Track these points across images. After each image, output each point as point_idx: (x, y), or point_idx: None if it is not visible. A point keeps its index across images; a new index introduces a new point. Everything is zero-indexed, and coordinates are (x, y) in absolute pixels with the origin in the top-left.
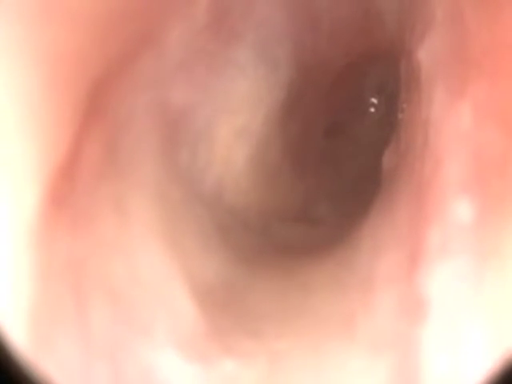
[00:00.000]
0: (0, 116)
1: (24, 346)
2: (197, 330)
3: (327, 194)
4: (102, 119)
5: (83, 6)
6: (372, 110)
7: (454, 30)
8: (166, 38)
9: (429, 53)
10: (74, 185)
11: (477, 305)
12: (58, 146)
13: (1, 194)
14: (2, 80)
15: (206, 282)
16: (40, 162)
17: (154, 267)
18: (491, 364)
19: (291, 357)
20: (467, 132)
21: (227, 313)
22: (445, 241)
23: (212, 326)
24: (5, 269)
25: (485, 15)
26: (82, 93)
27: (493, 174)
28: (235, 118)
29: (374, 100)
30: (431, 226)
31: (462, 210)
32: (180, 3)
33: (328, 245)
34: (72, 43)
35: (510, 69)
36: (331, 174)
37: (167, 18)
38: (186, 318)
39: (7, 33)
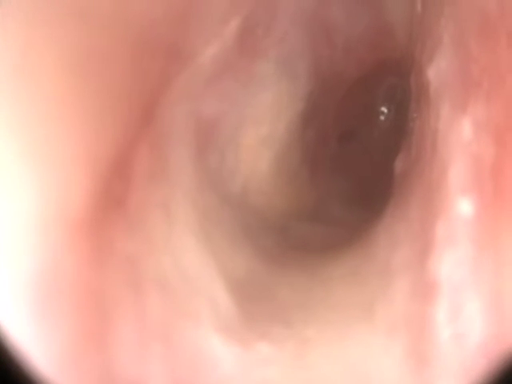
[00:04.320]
0: (59, 113)
1: (85, 327)
2: (234, 317)
3: (341, 197)
4: (151, 128)
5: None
6: (382, 118)
7: (458, 53)
8: (200, 56)
9: (437, 72)
10: (128, 185)
11: (476, 284)
12: (111, 146)
13: (52, 185)
14: (69, 86)
15: (237, 276)
16: (90, 160)
17: (194, 263)
18: (488, 333)
19: (318, 342)
20: (468, 143)
21: (258, 304)
22: (450, 232)
23: (246, 315)
24: (60, 259)
25: (485, 42)
26: (136, 103)
27: (488, 177)
28: (259, 126)
29: (384, 109)
30: (439, 221)
31: (463, 207)
32: (213, 25)
33: (345, 244)
34: (120, 59)
35: (504, 90)
36: (345, 177)
37: (202, 38)
38: (224, 308)
39: (67, 40)
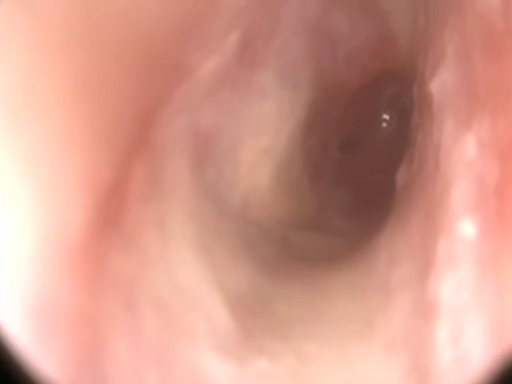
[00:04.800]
0: (60, 133)
1: (80, 349)
2: (231, 333)
3: (343, 206)
4: (146, 145)
5: (132, 42)
6: (384, 125)
7: (462, 67)
8: (199, 69)
9: (440, 87)
10: (123, 204)
11: (478, 306)
12: (110, 166)
13: (51, 207)
14: (62, 107)
15: (236, 290)
16: (89, 183)
17: (191, 278)
18: (490, 356)
19: (317, 356)
20: (472, 160)
21: (257, 318)
22: (451, 253)
23: (244, 331)
24: (57, 281)
25: (490, 57)
26: (131, 121)
27: (492, 197)
28: (260, 137)
29: (387, 116)
30: (440, 240)
31: (466, 228)
32: (214, 40)
33: (345, 255)
34: (121, 79)
35: (510, 107)
36: (346, 187)
37: (202, 53)
38: (222, 324)
39: (57, 63)
